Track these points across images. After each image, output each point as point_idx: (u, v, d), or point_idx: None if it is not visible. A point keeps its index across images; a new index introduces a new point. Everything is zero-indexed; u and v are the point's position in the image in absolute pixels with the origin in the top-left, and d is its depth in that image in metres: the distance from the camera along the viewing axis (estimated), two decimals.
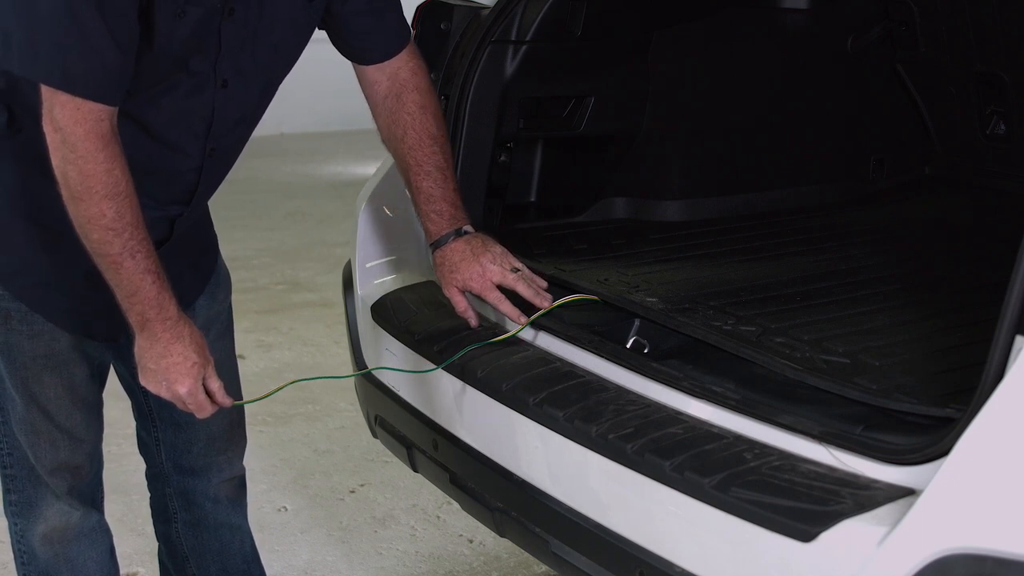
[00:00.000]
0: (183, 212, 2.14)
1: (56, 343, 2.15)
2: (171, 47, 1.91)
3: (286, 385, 2.20)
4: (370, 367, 2.54)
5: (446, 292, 2.25)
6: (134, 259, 1.89)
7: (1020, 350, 1.49)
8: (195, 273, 2.32)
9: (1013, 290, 1.53)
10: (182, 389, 1.97)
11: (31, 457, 2.24)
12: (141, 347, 1.97)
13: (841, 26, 3.32)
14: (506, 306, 2.20)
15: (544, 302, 2.22)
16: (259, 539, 3.36)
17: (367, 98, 2.26)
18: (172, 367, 1.96)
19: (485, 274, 2.19)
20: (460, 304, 2.24)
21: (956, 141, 3.46)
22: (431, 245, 2.25)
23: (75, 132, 1.83)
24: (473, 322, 2.27)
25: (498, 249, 2.22)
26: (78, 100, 1.82)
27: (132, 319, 1.95)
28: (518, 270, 2.21)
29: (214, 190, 2.20)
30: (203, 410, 2.02)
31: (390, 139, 2.25)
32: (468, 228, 2.24)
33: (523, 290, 2.20)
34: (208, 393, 2.01)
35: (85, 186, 1.85)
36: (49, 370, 2.17)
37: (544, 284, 2.25)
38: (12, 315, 2.11)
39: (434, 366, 2.25)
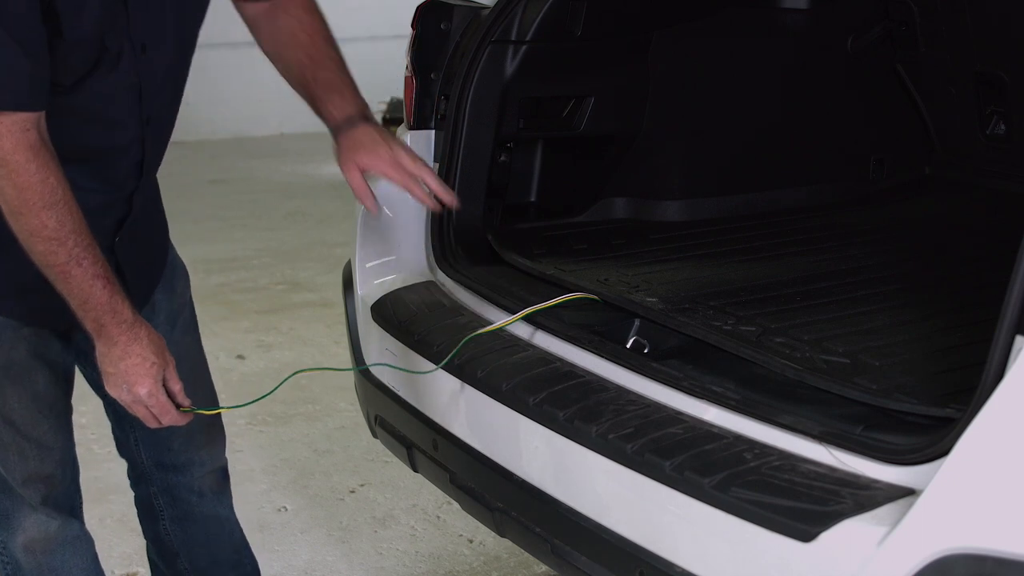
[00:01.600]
0: (137, 185, 2.12)
1: (15, 351, 2.12)
2: (83, 30, 1.87)
3: (279, 385, 2.18)
4: (371, 365, 2.54)
5: (345, 172, 2.17)
6: (81, 266, 1.87)
7: (1020, 350, 1.49)
8: (158, 255, 2.30)
9: (1013, 290, 1.53)
10: (142, 390, 1.94)
11: (2, 469, 2.20)
12: (101, 353, 1.95)
13: (841, 26, 3.32)
14: (418, 191, 2.17)
15: (450, 198, 2.22)
16: (259, 539, 3.37)
17: (253, 34, 2.23)
18: (131, 369, 1.93)
19: (396, 157, 2.15)
20: (360, 186, 2.17)
21: (956, 141, 3.46)
22: (334, 128, 2.19)
23: (2, 147, 1.80)
24: (371, 205, 2.19)
25: (406, 144, 2.18)
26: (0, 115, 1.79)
27: (88, 326, 1.92)
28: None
29: (161, 158, 2.18)
30: (165, 413, 1.98)
31: (278, 46, 2.21)
32: (373, 117, 2.19)
33: (433, 183, 2.18)
34: (169, 394, 1.98)
35: (22, 199, 1.82)
36: (10, 380, 2.13)
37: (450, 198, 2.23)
38: None
39: (434, 366, 2.24)
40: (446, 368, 2.24)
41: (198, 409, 2.07)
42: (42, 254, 1.87)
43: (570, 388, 2.06)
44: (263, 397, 2.19)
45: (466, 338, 2.23)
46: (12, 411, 2.15)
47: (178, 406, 2.01)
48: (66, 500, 2.31)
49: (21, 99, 1.81)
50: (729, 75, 3.15)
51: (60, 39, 1.85)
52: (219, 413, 2.42)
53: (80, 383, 2.32)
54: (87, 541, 2.37)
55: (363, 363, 2.59)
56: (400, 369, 2.38)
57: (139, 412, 1.98)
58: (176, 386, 1.99)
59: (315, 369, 2.41)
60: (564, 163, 2.98)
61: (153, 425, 2.01)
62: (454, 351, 2.21)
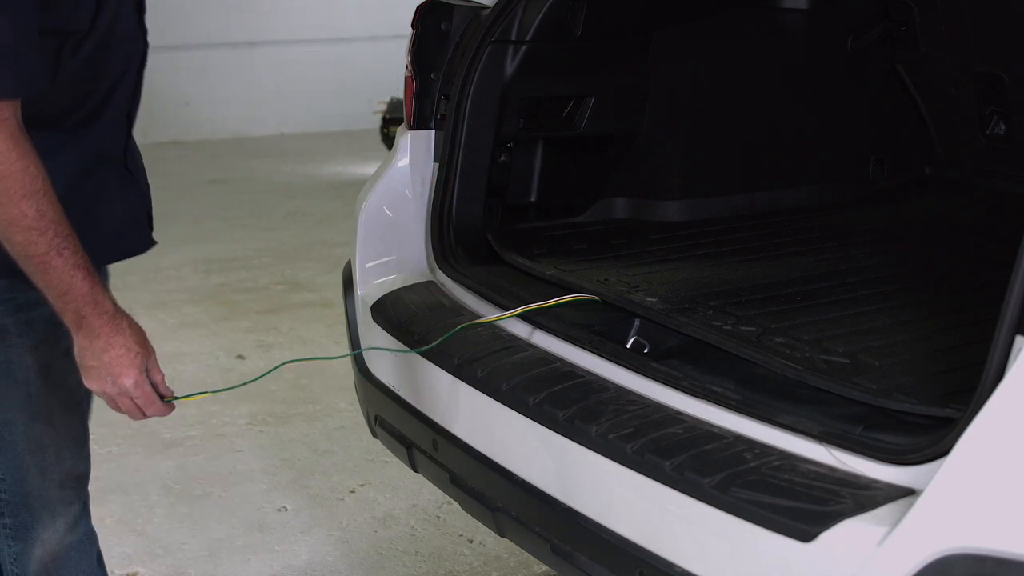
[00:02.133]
0: (133, 95, 2.15)
1: (56, 348, 2.10)
2: None
3: (266, 374, 2.17)
4: (361, 351, 2.54)
5: None
6: (61, 256, 1.85)
7: (1020, 350, 1.49)
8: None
9: (1013, 290, 1.53)
10: (128, 381, 1.92)
11: (38, 476, 2.17)
12: (81, 346, 1.92)
13: (841, 26, 3.32)
14: None
15: None
16: (259, 539, 3.37)
17: None
18: (115, 360, 1.91)
19: None
20: None
21: (956, 141, 3.46)
22: None
23: None
24: None
25: None
26: None
27: (68, 319, 1.90)
28: None
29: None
30: (150, 404, 1.96)
31: None
32: None
33: None
34: (152, 385, 1.96)
35: (2, 188, 1.80)
36: (51, 379, 2.12)
37: None
38: (10, 330, 2.06)
39: (425, 347, 2.26)
40: (446, 368, 2.24)
41: (180, 396, 2.04)
42: (21, 245, 1.84)
43: (570, 388, 2.06)
44: (246, 383, 2.19)
45: (460, 326, 2.24)
46: (53, 413, 2.13)
47: (161, 397, 1.99)
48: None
49: (9, 88, 1.80)
50: (729, 75, 3.15)
51: None
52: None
53: None
54: (92, 539, 2.36)
55: (363, 365, 2.59)
56: (390, 350, 2.36)
57: (124, 405, 1.96)
58: (158, 376, 1.97)
59: (304, 359, 2.40)
60: (564, 163, 2.98)
61: (138, 418, 1.99)
62: (447, 334, 2.23)
